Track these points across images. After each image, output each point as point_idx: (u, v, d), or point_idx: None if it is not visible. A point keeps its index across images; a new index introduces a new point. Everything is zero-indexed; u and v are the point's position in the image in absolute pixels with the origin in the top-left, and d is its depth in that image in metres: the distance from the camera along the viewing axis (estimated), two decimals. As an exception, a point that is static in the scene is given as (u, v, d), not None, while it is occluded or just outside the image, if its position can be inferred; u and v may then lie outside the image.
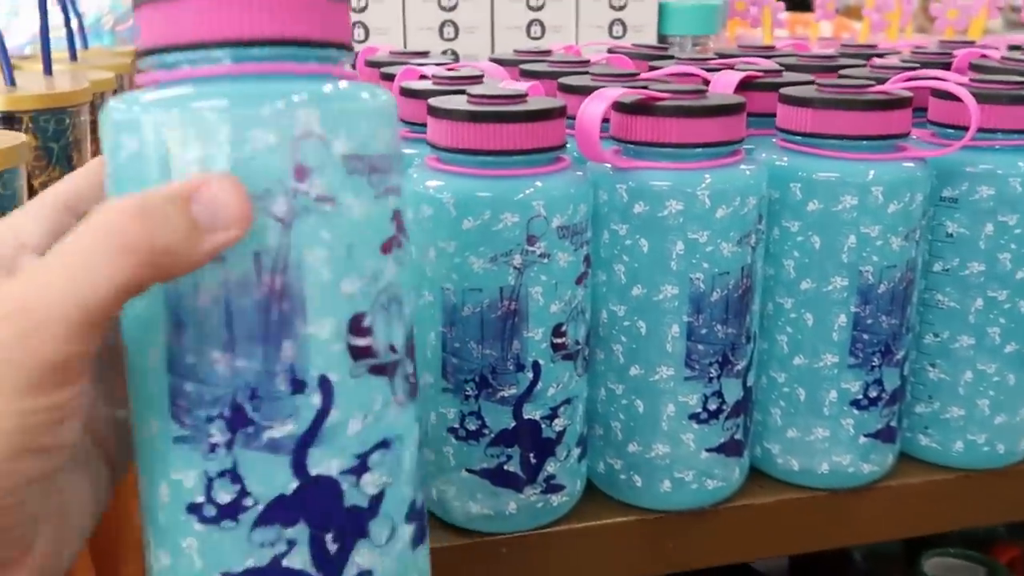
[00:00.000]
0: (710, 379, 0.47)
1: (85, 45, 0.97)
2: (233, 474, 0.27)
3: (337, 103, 0.27)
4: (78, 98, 0.65)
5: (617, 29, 0.85)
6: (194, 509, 0.27)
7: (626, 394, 0.48)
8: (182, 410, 0.26)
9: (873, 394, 0.49)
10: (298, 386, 0.26)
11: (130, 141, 0.26)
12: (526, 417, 0.45)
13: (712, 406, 0.47)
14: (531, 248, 0.43)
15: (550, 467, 0.46)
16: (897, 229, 0.47)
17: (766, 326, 0.50)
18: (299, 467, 0.27)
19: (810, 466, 0.51)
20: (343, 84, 0.28)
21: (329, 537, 0.27)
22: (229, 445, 0.26)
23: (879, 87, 0.48)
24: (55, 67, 0.75)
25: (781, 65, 0.60)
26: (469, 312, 0.43)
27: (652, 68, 0.62)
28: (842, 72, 0.55)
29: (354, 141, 0.27)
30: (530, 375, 0.44)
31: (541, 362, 0.44)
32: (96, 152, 0.72)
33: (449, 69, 0.56)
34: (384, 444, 0.28)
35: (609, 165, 0.45)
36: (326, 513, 0.27)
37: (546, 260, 0.43)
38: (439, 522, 0.48)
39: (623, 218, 0.45)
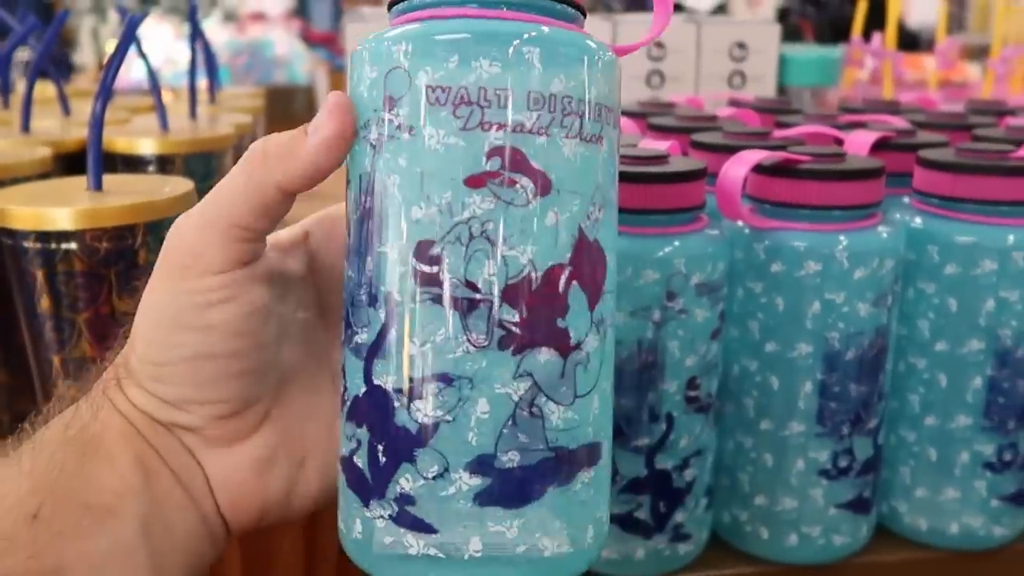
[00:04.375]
0: (841, 436, 0.47)
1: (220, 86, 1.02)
2: (342, 369, 0.30)
3: (430, 36, 0.28)
4: (224, 142, 0.68)
5: (736, 80, 0.87)
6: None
7: (755, 447, 0.48)
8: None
9: (1008, 457, 0.49)
10: (372, 299, 0.28)
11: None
12: (658, 467, 0.46)
13: (842, 463, 0.48)
14: (670, 304, 0.44)
15: (679, 516, 0.47)
16: (1036, 294, 0.47)
17: (897, 385, 0.50)
18: (367, 374, 0.29)
19: (939, 526, 0.51)
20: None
21: (380, 448, 0.28)
22: (345, 344, 0.30)
23: (1019, 152, 0.48)
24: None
25: (910, 123, 0.60)
26: (607, 363, 0.45)
27: (778, 123, 0.63)
28: (977, 134, 0.55)
29: (439, 73, 0.27)
30: (664, 426, 0.46)
31: (675, 414, 0.46)
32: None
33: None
34: (444, 378, 0.27)
35: (747, 224, 0.47)
36: (379, 423, 0.28)
37: (684, 316, 0.44)
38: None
39: (759, 276, 0.46)
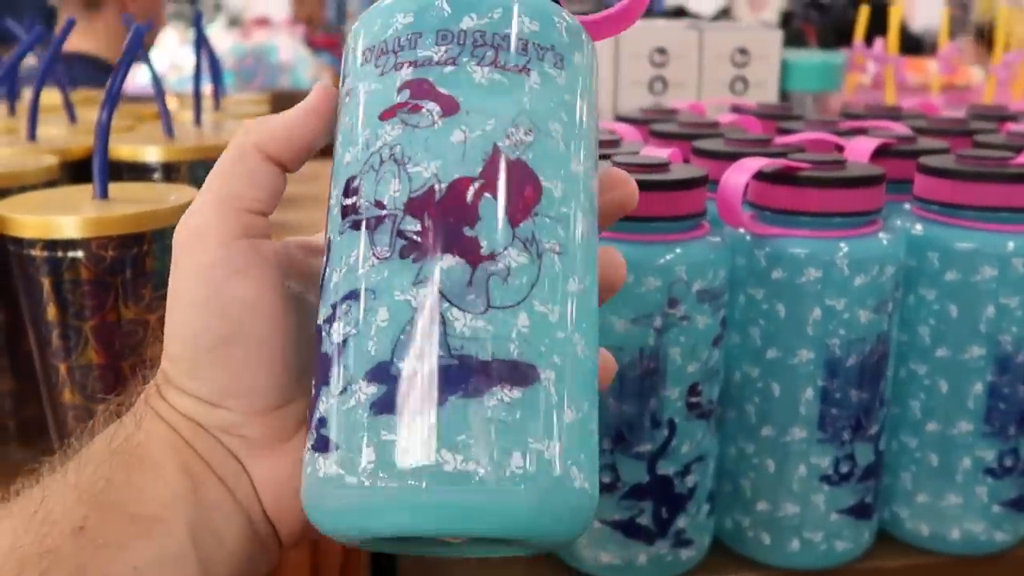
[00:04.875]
0: (843, 442, 0.47)
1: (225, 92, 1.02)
2: None
3: (368, 12, 0.31)
4: (229, 148, 0.69)
5: (739, 86, 0.87)
6: None
7: (757, 453, 0.49)
8: None
9: (1009, 463, 0.49)
10: (325, 249, 0.30)
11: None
12: (660, 472, 0.46)
13: (844, 469, 0.48)
14: (672, 311, 0.44)
15: (681, 522, 0.48)
16: (1036, 300, 0.47)
17: (898, 391, 0.51)
18: (313, 316, 0.30)
19: (940, 532, 0.51)
20: None
21: (312, 383, 0.28)
22: None
23: (1020, 159, 0.48)
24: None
25: (911, 128, 0.60)
26: (609, 369, 0.45)
27: (780, 129, 0.64)
28: (977, 140, 0.55)
29: (368, 38, 0.30)
30: (665, 432, 0.46)
31: (676, 420, 0.46)
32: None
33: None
34: (353, 295, 0.27)
35: (748, 231, 0.47)
36: (314, 362, 0.29)
37: (686, 322, 0.45)
38: (568, 568, 0.49)
39: (760, 282, 0.47)
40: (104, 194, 0.48)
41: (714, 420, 0.48)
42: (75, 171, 0.62)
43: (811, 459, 0.48)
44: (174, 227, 0.46)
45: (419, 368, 0.26)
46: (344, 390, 0.27)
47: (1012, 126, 0.62)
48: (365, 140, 0.29)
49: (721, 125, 0.64)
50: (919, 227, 0.49)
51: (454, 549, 0.29)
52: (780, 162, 0.46)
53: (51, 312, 0.46)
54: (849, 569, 0.50)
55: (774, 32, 0.90)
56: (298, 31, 2.72)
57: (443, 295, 0.27)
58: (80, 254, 0.45)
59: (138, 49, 0.51)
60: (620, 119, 0.70)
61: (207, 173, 0.66)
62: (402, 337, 0.26)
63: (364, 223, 0.28)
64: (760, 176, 0.47)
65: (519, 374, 0.26)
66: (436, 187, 0.27)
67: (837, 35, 2.25)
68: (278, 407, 0.31)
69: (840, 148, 0.55)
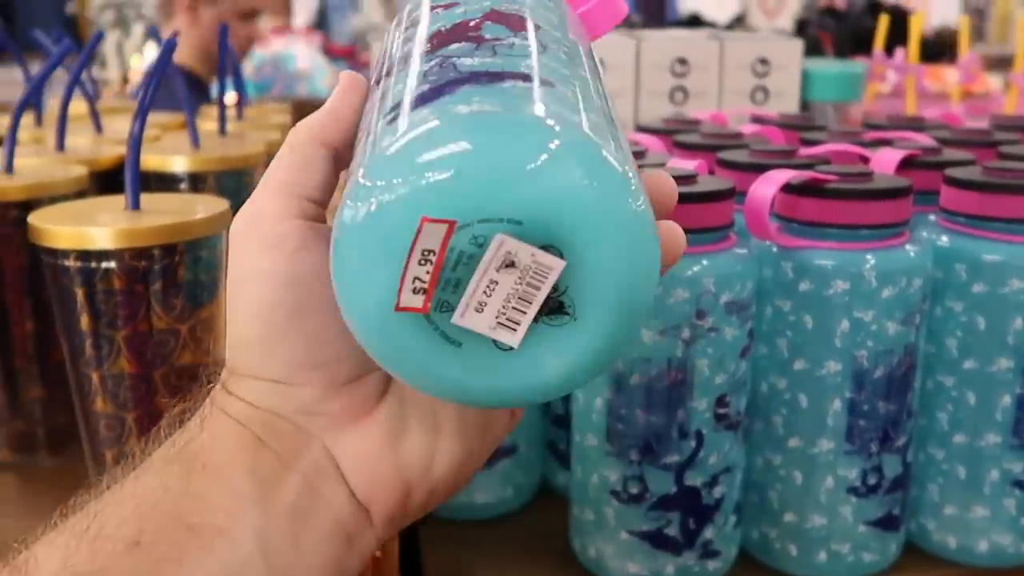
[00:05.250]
0: (870, 454, 0.47)
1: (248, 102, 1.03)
2: None
3: None
4: (254, 159, 0.69)
5: (759, 96, 0.87)
6: None
7: (784, 465, 0.49)
8: None
9: (1037, 476, 0.49)
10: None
11: None
12: (687, 483, 0.47)
13: (871, 480, 0.48)
14: (699, 323, 0.44)
15: (708, 533, 0.48)
16: (1064, 312, 0.47)
17: (926, 403, 0.50)
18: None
19: (968, 544, 0.51)
20: None
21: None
22: None
23: (1047, 171, 0.48)
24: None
25: (935, 139, 0.60)
26: (637, 381, 0.45)
27: (802, 140, 0.64)
28: (1003, 151, 0.55)
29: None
30: (693, 443, 0.46)
31: (704, 431, 0.46)
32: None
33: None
34: (383, 99, 0.30)
35: (775, 243, 0.47)
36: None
37: (713, 334, 0.45)
38: (595, 579, 0.50)
39: (787, 294, 0.47)
40: (136, 205, 0.48)
41: (741, 431, 0.48)
42: (103, 181, 0.62)
43: (838, 471, 0.48)
44: (206, 239, 0.47)
45: (433, 84, 0.27)
46: (365, 139, 0.28)
47: (1036, 137, 0.62)
48: (387, 53, 0.33)
49: (744, 136, 0.64)
50: (945, 239, 0.49)
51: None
52: (807, 174, 0.46)
53: (84, 321, 0.47)
54: (876, 581, 0.50)
55: (794, 42, 0.90)
56: (315, 40, 2.74)
57: (451, 56, 0.29)
58: (113, 264, 0.46)
59: (168, 63, 0.52)
60: (641, 129, 0.70)
61: (233, 183, 0.66)
62: (415, 83, 0.28)
63: (388, 72, 0.31)
64: (787, 188, 0.47)
65: (532, 78, 0.27)
66: (442, 28, 0.31)
67: (854, 43, 2.25)
68: (357, 377, 0.30)
69: (865, 159, 0.56)
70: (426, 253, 0.24)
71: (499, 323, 0.26)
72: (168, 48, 0.51)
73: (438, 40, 0.31)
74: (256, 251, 0.29)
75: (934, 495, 0.51)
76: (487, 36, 0.30)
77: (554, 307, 0.26)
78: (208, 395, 0.31)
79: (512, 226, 0.24)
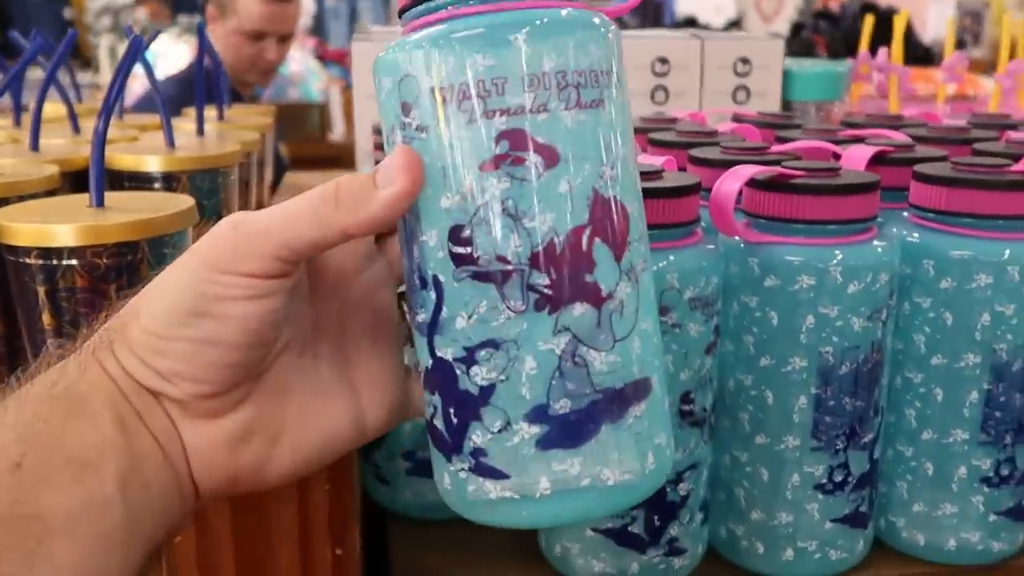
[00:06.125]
0: (836, 451, 0.47)
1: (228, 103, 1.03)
2: (413, 344, 0.34)
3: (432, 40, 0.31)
4: (229, 159, 0.69)
5: (741, 95, 0.87)
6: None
7: (751, 462, 0.48)
8: None
9: (1005, 472, 0.49)
10: (423, 282, 0.32)
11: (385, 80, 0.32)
12: (653, 480, 0.46)
13: (838, 477, 0.48)
14: (664, 318, 0.44)
15: (673, 530, 0.47)
16: (1032, 308, 0.47)
17: (893, 399, 0.50)
18: (431, 348, 0.32)
19: (936, 541, 0.50)
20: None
21: (451, 411, 0.32)
22: (411, 322, 0.34)
23: (1016, 167, 0.48)
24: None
25: (911, 137, 0.60)
26: (601, 377, 0.45)
27: (779, 138, 0.63)
28: (976, 148, 0.55)
29: (441, 74, 0.30)
30: (658, 440, 0.46)
31: (669, 428, 0.46)
32: (244, 207, 0.77)
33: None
34: (492, 344, 0.31)
35: (741, 238, 0.47)
36: (447, 389, 0.32)
37: (677, 330, 0.44)
38: (563, 578, 0.49)
39: (753, 290, 0.46)
40: (100, 203, 0.48)
41: (707, 428, 0.47)
42: (76, 181, 0.62)
43: (805, 467, 0.47)
44: (170, 236, 0.47)
45: (573, 407, 0.31)
46: (504, 429, 0.31)
47: (1013, 134, 0.62)
48: (468, 189, 0.30)
49: (720, 134, 0.64)
50: (915, 235, 0.49)
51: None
52: (773, 169, 0.46)
53: (46, 320, 0.46)
54: (845, 579, 0.50)
55: (776, 41, 0.90)
56: (309, 43, 2.74)
57: (580, 340, 0.31)
58: (75, 262, 0.45)
59: (135, 60, 0.51)
60: (620, 128, 0.70)
61: (207, 183, 0.66)
62: (553, 383, 0.31)
63: (489, 276, 0.31)
64: (753, 184, 0.47)
65: (643, 389, 0.32)
66: (555, 240, 0.30)
67: (847, 46, 2.25)
68: (223, 393, 0.32)
69: (837, 156, 0.55)
70: None
71: None
72: (135, 47, 0.51)
73: (557, 279, 0.30)
74: (199, 280, 0.31)
75: (903, 492, 0.51)
76: (603, 290, 0.31)
77: None
78: (91, 343, 0.33)
79: None
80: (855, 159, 0.52)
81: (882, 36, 1.12)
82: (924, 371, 0.49)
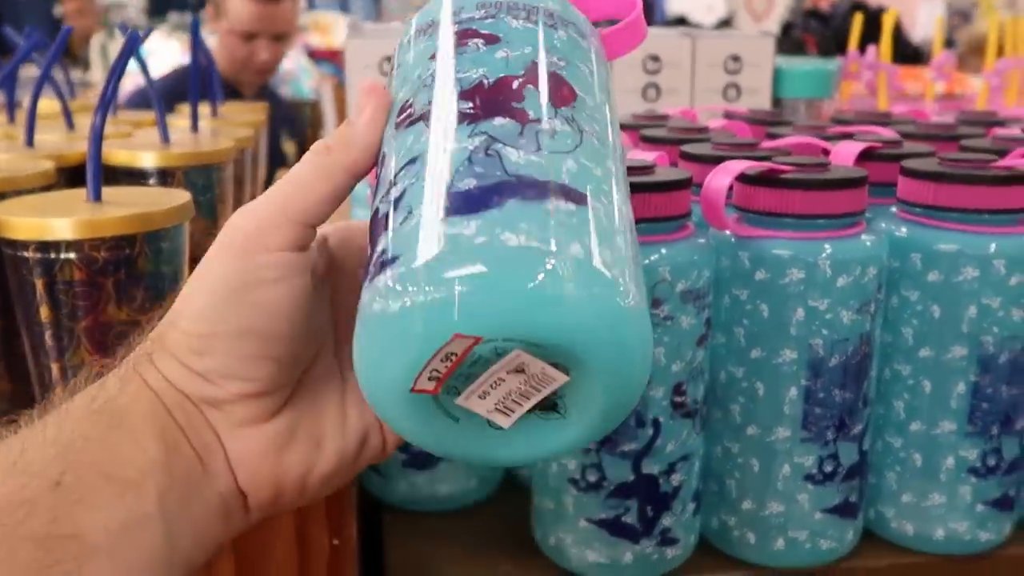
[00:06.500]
0: (826, 441, 0.48)
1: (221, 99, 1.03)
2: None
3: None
4: (224, 155, 0.69)
5: (731, 93, 0.88)
6: None
7: (742, 453, 0.49)
8: None
9: (992, 462, 0.49)
10: (377, 167, 0.33)
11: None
12: (645, 471, 0.47)
13: (828, 468, 0.48)
14: (656, 311, 0.45)
15: (666, 521, 0.48)
16: (1019, 300, 0.48)
17: (882, 391, 0.51)
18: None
19: (925, 531, 0.51)
20: None
21: (369, 247, 0.31)
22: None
23: (1002, 162, 0.49)
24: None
25: (900, 133, 0.61)
26: (594, 369, 0.46)
27: (769, 135, 0.64)
28: (963, 144, 0.56)
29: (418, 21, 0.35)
30: (650, 431, 0.46)
31: (661, 419, 0.46)
32: (238, 203, 0.78)
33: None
34: (410, 162, 0.31)
35: (732, 232, 0.47)
36: (371, 226, 0.32)
37: (669, 322, 0.45)
38: (555, 567, 0.50)
39: (744, 283, 0.47)
40: (97, 197, 0.48)
41: (699, 419, 0.48)
42: (71, 176, 0.62)
43: (795, 458, 0.48)
44: (167, 229, 0.47)
45: (479, 184, 0.28)
46: (407, 218, 0.28)
47: (999, 131, 0.63)
48: (418, 75, 0.32)
49: (711, 130, 0.65)
50: (903, 229, 0.50)
51: (503, 435, 0.30)
52: (763, 164, 0.47)
53: (44, 313, 0.47)
54: (834, 568, 0.51)
55: (767, 39, 0.90)
56: (300, 41, 2.74)
57: (495, 139, 0.29)
58: (72, 256, 0.46)
59: (130, 56, 0.52)
60: (612, 125, 0.71)
61: (202, 179, 0.66)
62: (460, 169, 0.28)
63: (422, 118, 0.31)
64: (744, 179, 0.47)
65: (572, 193, 0.28)
66: (484, 82, 0.31)
67: (837, 44, 2.26)
68: (268, 393, 0.32)
69: (826, 152, 0.56)
70: (449, 355, 0.27)
71: (497, 409, 0.29)
72: (131, 44, 0.52)
73: (481, 103, 0.30)
74: (231, 269, 0.32)
75: (892, 483, 0.51)
76: (530, 115, 0.30)
77: (548, 406, 0.29)
78: (131, 358, 0.33)
79: (530, 346, 0.27)
80: (844, 155, 0.53)
81: (871, 35, 1.13)
82: (912, 363, 0.50)
